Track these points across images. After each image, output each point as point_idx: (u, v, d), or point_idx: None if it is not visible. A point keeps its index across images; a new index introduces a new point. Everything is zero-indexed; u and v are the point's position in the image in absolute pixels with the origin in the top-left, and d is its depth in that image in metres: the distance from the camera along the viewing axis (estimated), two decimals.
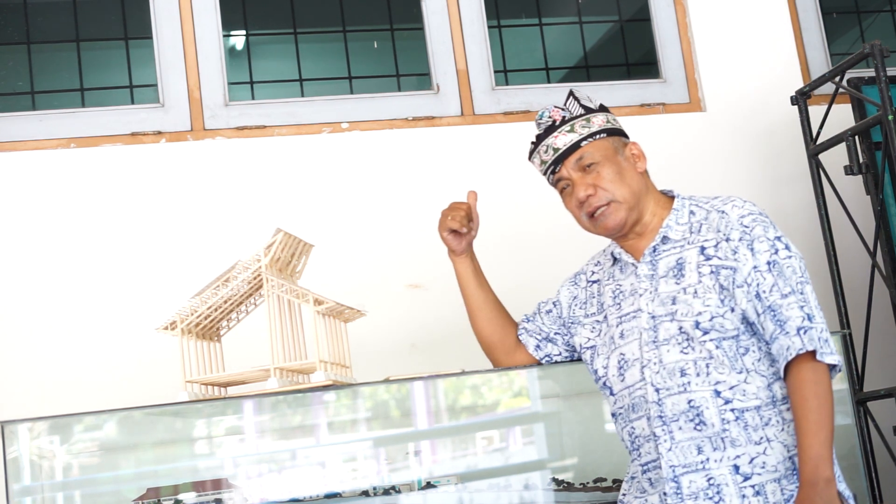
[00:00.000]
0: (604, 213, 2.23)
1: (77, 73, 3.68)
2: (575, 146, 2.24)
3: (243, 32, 4.45)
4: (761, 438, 2.08)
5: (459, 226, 2.39)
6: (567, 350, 2.42)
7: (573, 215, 2.30)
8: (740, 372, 2.10)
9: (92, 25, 3.96)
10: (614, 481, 2.65)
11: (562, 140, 2.25)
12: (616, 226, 2.24)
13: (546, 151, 2.28)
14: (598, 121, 2.27)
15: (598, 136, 2.25)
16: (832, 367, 2.05)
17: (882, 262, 3.41)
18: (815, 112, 3.58)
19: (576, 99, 2.29)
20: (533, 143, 2.33)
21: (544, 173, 2.31)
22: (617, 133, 2.29)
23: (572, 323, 2.37)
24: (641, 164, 2.28)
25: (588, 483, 2.70)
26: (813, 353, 2.03)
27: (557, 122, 2.27)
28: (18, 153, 3.34)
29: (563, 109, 2.28)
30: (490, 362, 2.51)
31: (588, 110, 2.28)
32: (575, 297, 2.39)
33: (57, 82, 3.96)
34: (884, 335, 3.53)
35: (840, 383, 2.80)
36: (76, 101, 3.67)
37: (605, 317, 2.28)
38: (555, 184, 2.30)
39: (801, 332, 2.04)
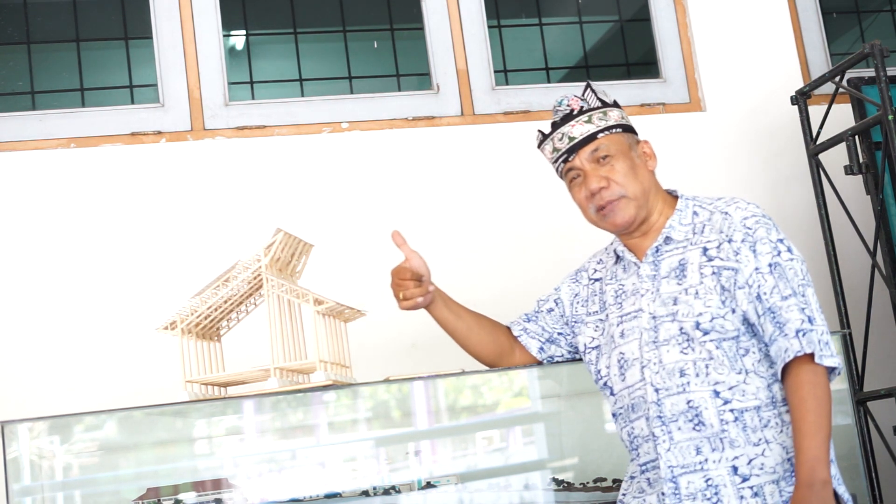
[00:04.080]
0: (613, 208, 2.21)
1: (77, 73, 3.68)
2: (591, 137, 2.22)
3: (243, 32, 4.45)
4: (760, 440, 2.07)
5: (414, 303, 2.33)
6: (570, 350, 2.41)
7: (580, 207, 2.27)
8: (739, 372, 2.10)
9: (92, 25, 3.96)
10: (614, 481, 2.65)
11: (578, 130, 2.23)
12: (625, 223, 2.22)
13: (561, 139, 2.25)
14: (615, 115, 2.26)
15: (614, 130, 2.23)
16: (831, 370, 2.05)
17: (882, 262, 3.41)
18: (815, 112, 3.58)
19: (593, 91, 2.28)
20: (540, 131, 2.31)
21: (555, 161, 2.28)
22: (630, 130, 2.29)
23: (575, 322, 2.36)
24: (652, 162, 2.28)
25: (588, 483, 2.70)
26: (812, 356, 2.02)
27: (575, 112, 2.24)
28: (18, 153, 3.34)
29: (581, 99, 2.26)
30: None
31: (604, 104, 2.27)
32: (576, 295, 2.38)
33: (57, 82, 3.96)
34: (884, 335, 3.53)
35: (840, 383, 2.80)
36: (76, 101, 3.67)
37: (607, 315, 2.28)
38: (564, 173, 2.28)
39: (800, 334, 2.03)
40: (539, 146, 2.33)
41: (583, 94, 2.28)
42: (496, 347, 2.43)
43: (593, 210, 2.24)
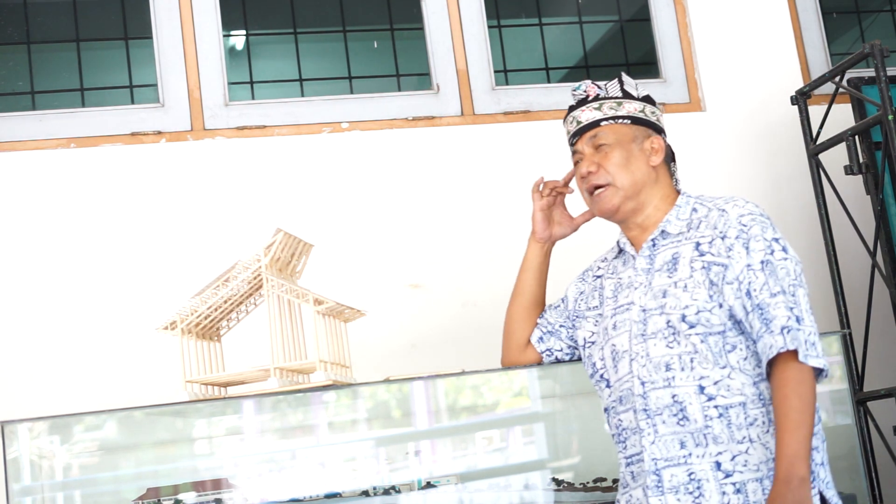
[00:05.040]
0: (601, 194, 2.28)
1: (77, 73, 3.68)
2: (594, 124, 2.30)
3: (243, 32, 4.45)
4: (744, 437, 2.08)
5: (549, 185, 2.47)
6: (569, 345, 2.43)
7: (579, 189, 2.36)
8: (724, 367, 2.10)
9: (92, 25, 3.96)
10: (614, 481, 2.65)
11: (586, 115, 2.31)
12: (608, 209, 2.28)
13: (571, 122, 2.35)
14: (630, 108, 2.30)
15: (619, 121, 2.29)
16: (819, 373, 2.03)
17: (882, 262, 3.41)
18: (815, 112, 3.58)
19: (620, 82, 2.34)
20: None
21: (568, 143, 2.38)
22: (645, 124, 2.31)
23: (577, 317, 2.39)
24: (656, 158, 2.30)
25: (588, 483, 2.70)
26: (796, 354, 2.00)
27: (590, 98, 2.33)
28: (18, 153, 3.34)
29: (600, 87, 2.33)
30: (501, 353, 2.52)
31: (625, 95, 2.32)
32: (581, 293, 2.42)
33: (57, 82, 3.96)
34: (884, 335, 3.53)
35: (840, 383, 2.80)
36: (76, 101, 3.67)
37: (604, 309, 2.30)
38: (572, 155, 2.37)
39: (785, 331, 2.02)
40: (563, 123, 2.42)
41: (608, 83, 2.34)
42: (521, 328, 2.48)
43: (586, 193, 2.32)
